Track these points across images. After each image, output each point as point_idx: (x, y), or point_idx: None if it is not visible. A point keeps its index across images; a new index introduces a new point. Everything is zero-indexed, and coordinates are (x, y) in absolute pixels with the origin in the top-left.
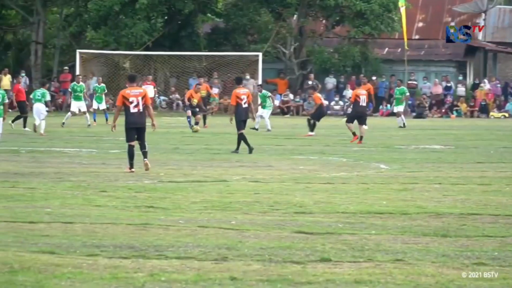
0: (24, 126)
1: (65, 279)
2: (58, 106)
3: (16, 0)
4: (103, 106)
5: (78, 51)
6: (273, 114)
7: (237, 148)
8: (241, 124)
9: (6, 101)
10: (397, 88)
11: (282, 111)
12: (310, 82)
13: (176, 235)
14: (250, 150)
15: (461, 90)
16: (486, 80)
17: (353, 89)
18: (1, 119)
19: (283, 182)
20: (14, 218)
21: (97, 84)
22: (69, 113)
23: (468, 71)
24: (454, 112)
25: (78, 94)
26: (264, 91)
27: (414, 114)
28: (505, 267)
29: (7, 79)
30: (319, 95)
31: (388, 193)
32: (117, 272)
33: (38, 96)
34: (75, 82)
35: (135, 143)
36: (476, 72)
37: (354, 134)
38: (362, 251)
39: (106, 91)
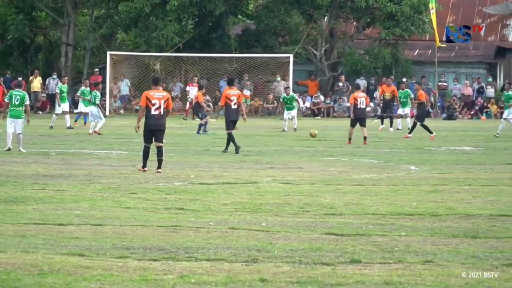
0: None
1: (95, 281)
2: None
3: (46, 2)
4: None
5: (108, 53)
6: (304, 115)
7: (226, 148)
8: (230, 124)
9: (27, 102)
10: (401, 91)
11: (313, 112)
12: (340, 84)
13: (206, 237)
14: (237, 149)
15: (490, 91)
16: None
17: (385, 91)
18: (21, 120)
19: (314, 184)
20: (44, 220)
21: (83, 87)
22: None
23: (498, 73)
24: (484, 113)
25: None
26: (292, 94)
27: (444, 115)
28: None
29: (37, 81)
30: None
31: (418, 194)
32: (146, 274)
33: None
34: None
35: (151, 145)
36: (507, 74)
37: (349, 139)
38: (392, 252)
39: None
